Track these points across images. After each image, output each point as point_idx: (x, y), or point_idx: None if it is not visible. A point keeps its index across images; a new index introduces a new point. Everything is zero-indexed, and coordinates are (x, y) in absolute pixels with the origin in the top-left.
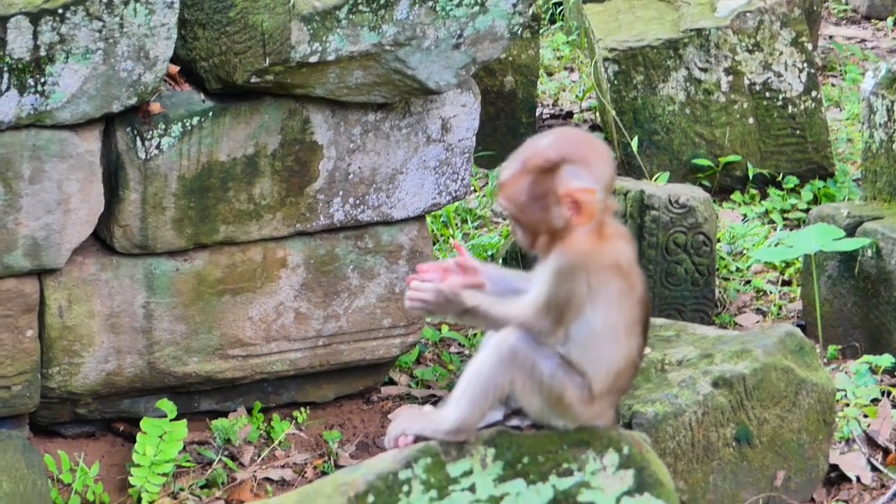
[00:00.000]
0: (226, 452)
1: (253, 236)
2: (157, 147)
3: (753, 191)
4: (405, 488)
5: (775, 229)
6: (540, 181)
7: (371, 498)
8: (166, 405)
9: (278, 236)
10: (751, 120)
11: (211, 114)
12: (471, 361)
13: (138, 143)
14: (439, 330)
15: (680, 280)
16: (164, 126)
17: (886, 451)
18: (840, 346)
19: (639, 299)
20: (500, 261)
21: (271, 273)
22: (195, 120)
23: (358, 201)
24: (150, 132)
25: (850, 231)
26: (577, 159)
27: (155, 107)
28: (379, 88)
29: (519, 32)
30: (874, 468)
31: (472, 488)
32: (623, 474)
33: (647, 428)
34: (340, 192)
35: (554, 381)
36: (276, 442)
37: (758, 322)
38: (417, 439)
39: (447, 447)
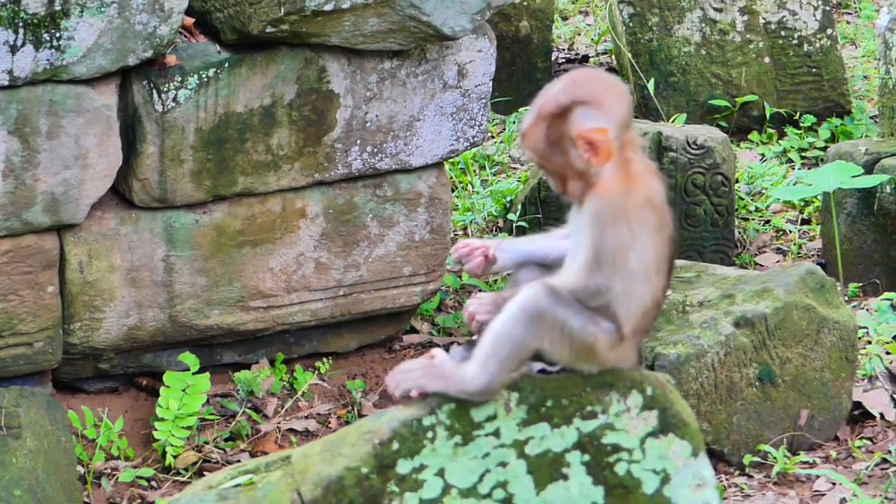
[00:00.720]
0: (249, 405)
1: (271, 187)
2: (174, 100)
3: (771, 130)
4: (429, 434)
5: (793, 168)
6: (554, 126)
7: (396, 445)
8: (189, 358)
9: (297, 186)
10: (767, 59)
11: (227, 65)
12: (497, 319)
13: (155, 96)
14: (460, 277)
15: (699, 221)
16: (180, 78)
17: None
18: (860, 284)
19: (669, 236)
20: (520, 206)
21: (290, 224)
22: (211, 72)
23: (376, 150)
24: (167, 85)
25: (869, 168)
26: (589, 100)
27: (171, 59)
28: (394, 36)
29: None
30: None
31: (496, 433)
32: (647, 415)
33: (670, 370)
34: (358, 141)
35: (585, 334)
36: (300, 393)
37: (778, 262)
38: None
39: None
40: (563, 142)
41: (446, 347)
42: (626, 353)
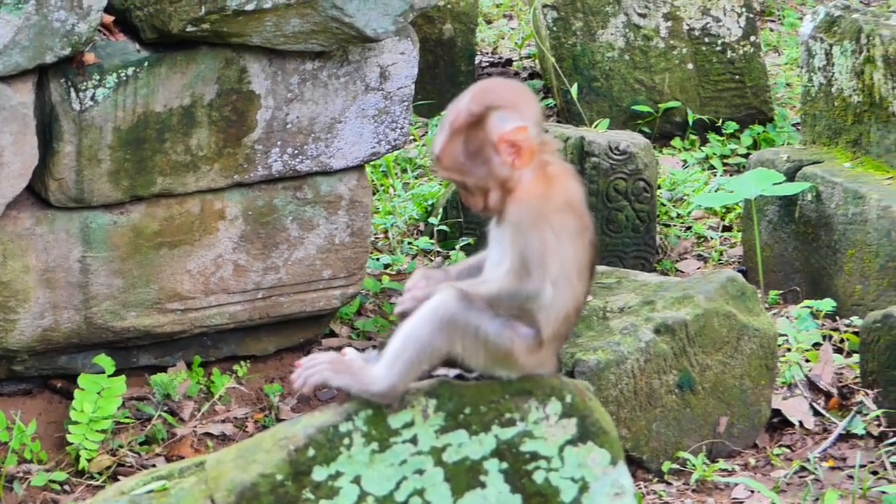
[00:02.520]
0: (165, 408)
1: (190, 188)
2: (92, 98)
3: (693, 136)
4: (346, 441)
5: (715, 175)
6: (472, 137)
7: (311, 452)
8: (104, 361)
9: (216, 188)
10: (690, 66)
11: (146, 64)
12: (407, 322)
13: (72, 94)
14: (380, 280)
15: (621, 227)
16: (98, 77)
17: (829, 396)
18: (781, 291)
19: (590, 240)
20: (441, 209)
21: (209, 225)
22: (130, 70)
23: (296, 151)
24: (85, 83)
25: (790, 175)
26: (502, 104)
27: (89, 57)
28: (316, 37)
29: None
30: (816, 413)
31: (413, 440)
32: (566, 423)
33: (590, 376)
34: (279, 143)
35: (501, 339)
36: (217, 396)
37: (699, 268)
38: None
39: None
40: (485, 150)
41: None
42: (544, 358)
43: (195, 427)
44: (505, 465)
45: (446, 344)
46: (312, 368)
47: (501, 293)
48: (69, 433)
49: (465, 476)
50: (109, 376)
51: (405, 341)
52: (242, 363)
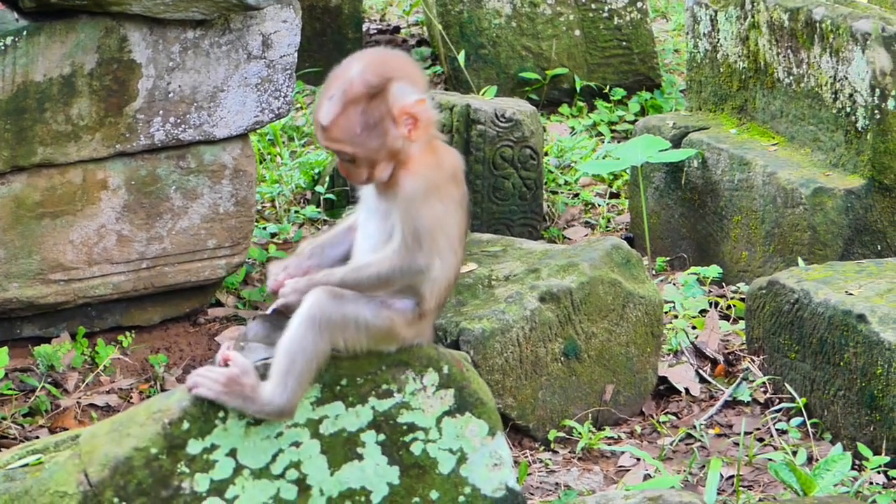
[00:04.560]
0: (49, 379)
1: (72, 158)
2: None
3: (581, 103)
4: (221, 414)
5: (603, 142)
6: (371, 108)
7: (186, 425)
8: None
9: (98, 157)
10: (577, 32)
11: (25, 33)
12: (287, 335)
13: None
14: (266, 250)
15: (507, 195)
16: None
17: (715, 363)
18: (668, 258)
19: (466, 209)
20: (328, 178)
21: (92, 195)
22: (9, 40)
23: (179, 120)
24: None
25: (676, 142)
26: (399, 76)
27: None
28: (197, 5)
29: None
30: (703, 380)
31: None
32: (443, 394)
33: (475, 345)
34: (161, 112)
35: (380, 321)
36: (101, 367)
37: (586, 235)
38: None
39: (263, 370)
40: (383, 122)
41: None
42: (423, 328)
43: (79, 398)
44: (382, 436)
45: (330, 343)
46: (207, 381)
47: (394, 271)
48: None
49: (342, 448)
50: None
51: (292, 355)
52: (127, 333)
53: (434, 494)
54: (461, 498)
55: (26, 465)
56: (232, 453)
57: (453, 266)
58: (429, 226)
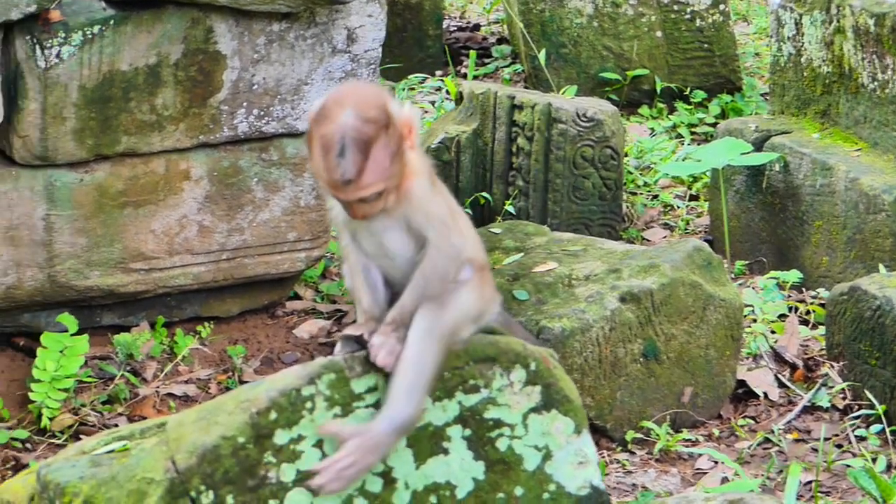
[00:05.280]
0: (128, 368)
1: (155, 148)
2: (58, 56)
3: (661, 105)
4: (308, 405)
5: (682, 144)
6: (390, 138)
7: (273, 415)
8: (67, 319)
9: (181, 148)
10: (659, 33)
11: (112, 22)
12: (409, 355)
13: (38, 51)
14: None
15: (587, 194)
16: (64, 34)
17: (794, 368)
18: (747, 262)
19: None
20: None
21: (174, 185)
22: (96, 28)
23: (262, 112)
24: (50, 41)
25: (758, 145)
26: (380, 93)
27: (55, 14)
28: None
29: None
30: (781, 384)
31: (376, 405)
32: (530, 390)
33: (555, 343)
34: (244, 104)
35: (470, 297)
36: (180, 357)
37: (665, 237)
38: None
39: (351, 362)
40: (401, 145)
41: (329, 316)
42: (490, 279)
43: (157, 387)
44: (468, 431)
45: (447, 347)
46: (343, 471)
47: (449, 262)
48: (31, 391)
49: (427, 442)
50: (72, 335)
51: (418, 372)
52: (206, 324)
53: (519, 491)
54: (546, 495)
55: (112, 451)
56: (318, 444)
57: (468, 223)
58: (445, 210)
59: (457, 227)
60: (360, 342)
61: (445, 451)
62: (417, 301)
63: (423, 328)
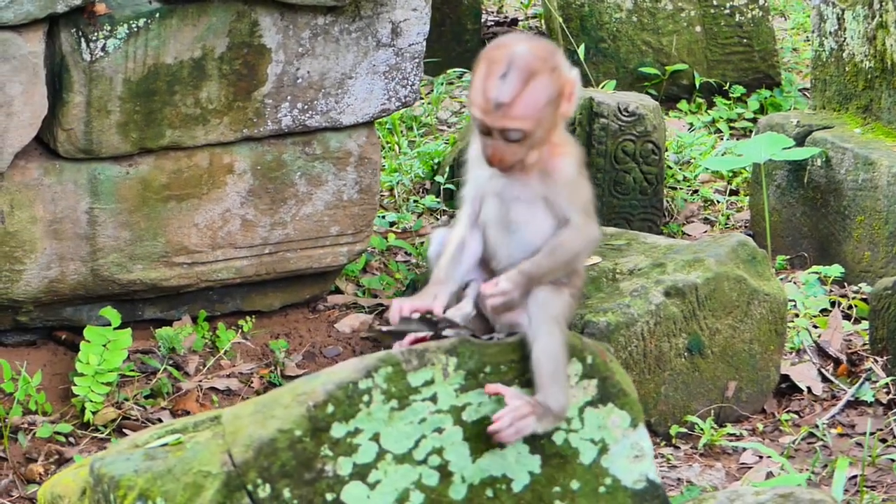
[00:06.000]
0: (170, 362)
1: (199, 141)
2: (103, 49)
3: (700, 100)
4: (365, 398)
5: (722, 139)
6: (553, 81)
7: (330, 408)
8: (110, 313)
9: (225, 141)
10: (698, 28)
11: (157, 15)
12: (542, 342)
13: (83, 44)
14: (386, 238)
15: (628, 189)
16: (109, 27)
17: (837, 362)
18: (788, 257)
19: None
20: (448, 168)
21: (217, 179)
22: (141, 21)
23: (306, 106)
24: (96, 34)
25: (800, 140)
26: (556, 49)
27: (100, 7)
28: None
29: None
30: (825, 379)
31: (433, 398)
32: (586, 384)
33: (599, 338)
34: (288, 97)
35: (574, 300)
36: (222, 351)
37: (705, 232)
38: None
39: (409, 356)
40: (559, 97)
41: (371, 310)
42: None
43: (200, 381)
44: None
45: (566, 330)
46: (518, 421)
47: (585, 244)
48: (74, 385)
49: (484, 436)
50: (115, 329)
51: (555, 359)
52: (248, 318)
53: (575, 485)
54: (602, 489)
55: (165, 444)
56: (375, 438)
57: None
58: (589, 197)
59: (594, 214)
60: (428, 321)
61: (502, 445)
62: (548, 268)
63: (552, 315)
